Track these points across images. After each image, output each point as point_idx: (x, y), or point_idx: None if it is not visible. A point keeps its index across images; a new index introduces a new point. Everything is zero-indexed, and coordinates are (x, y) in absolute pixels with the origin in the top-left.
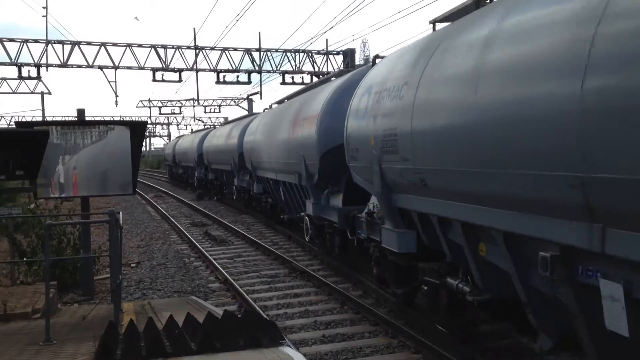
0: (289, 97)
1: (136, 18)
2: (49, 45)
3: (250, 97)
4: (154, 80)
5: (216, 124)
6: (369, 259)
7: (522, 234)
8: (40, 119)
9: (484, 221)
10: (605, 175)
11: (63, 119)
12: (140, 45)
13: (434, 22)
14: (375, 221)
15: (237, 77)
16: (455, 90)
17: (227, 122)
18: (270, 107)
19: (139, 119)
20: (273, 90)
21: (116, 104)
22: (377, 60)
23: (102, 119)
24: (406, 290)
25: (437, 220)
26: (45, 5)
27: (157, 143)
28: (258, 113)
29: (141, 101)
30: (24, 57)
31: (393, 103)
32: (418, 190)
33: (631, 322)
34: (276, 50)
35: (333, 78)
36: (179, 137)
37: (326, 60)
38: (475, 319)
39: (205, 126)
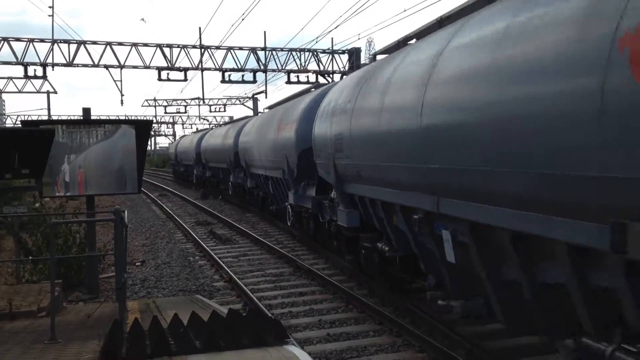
0: (277, 104)
1: (142, 19)
2: (55, 44)
3: (255, 96)
4: (160, 79)
5: (221, 122)
6: (332, 235)
7: (408, 206)
8: (46, 118)
9: (392, 199)
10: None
11: (69, 118)
12: (145, 45)
13: (374, 55)
14: (334, 205)
15: (243, 76)
16: (371, 115)
17: (220, 124)
18: (264, 111)
19: (145, 118)
20: (278, 89)
21: (122, 103)
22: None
23: (108, 118)
24: (353, 255)
25: (369, 201)
26: (51, 5)
27: (162, 142)
28: (250, 116)
29: (147, 100)
30: (30, 57)
31: (341, 115)
32: (357, 179)
33: (457, 255)
34: (281, 50)
35: (312, 89)
36: (182, 137)
37: (331, 59)
38: (405, 278)
39: (210, 125)
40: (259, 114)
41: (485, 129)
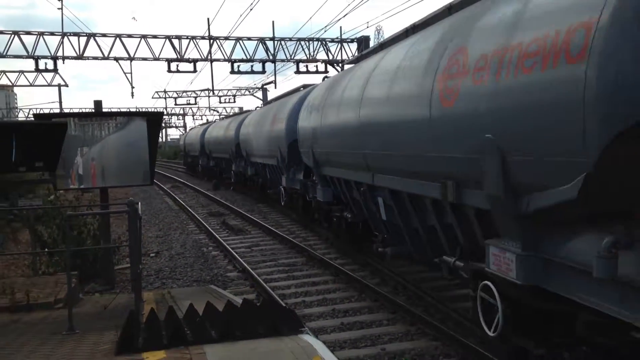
0: (274, 100)
1: (134, 18)
2: (65, 37)
3: (264, 86)
4: (169, 71)
5: (222, 116)
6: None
7: (358, 181)
8: (57, 111)
9: (348, 177)
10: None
11: (80, 111)
12: (155, 37)
13: (344, 62)
14: (315, 184)
15: (252, 66)
16: (333, 113)
17: (221, 117)
18: (264, 104)
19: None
20: (288, 79)
21: (132, 95)
22: (346, 66)
23: (119, 110)
24: (328, 224)
25: (337, 180)
26: None
27: (173, 134)
28: (250, 110)
29: (157, 92)
30: (41, 50)
31: (315, 112)
32: (328, 163)
33: (387, 214)
34: (290, 39)
35: (302, 89)
36: (190, 129)
37: (340, 48)
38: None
39: (220, 116)
40: (257, 109)
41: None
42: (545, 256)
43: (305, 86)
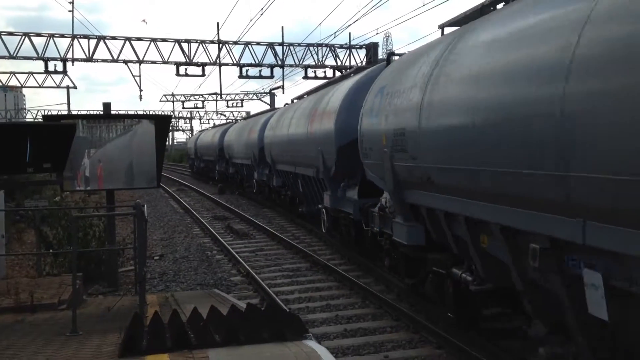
0: (308, 93)
1: (144, 21)
2: (75, 39)
3: (272, 91)
4: (178, 74)
5: (238, 118)
6: (382, 250)
7: (518, 228)
8: (65, 113)
9: (486, 217)
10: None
11: (88, 113)
12: (164, 40)
13: (442, 27)
14: (387, 215)
15: (260, 71)
16: (461, 91)
17: (246, 117)
18: (291, 102)
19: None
20: (296, 85)
21: (140, 98)
22: (393, 58)
23: (127, 113)
24: (415, 280)
25: (443, 215)
26: (71, 0)
27: (180, 137)
28: (278, 108)
29: (165, 95)
30: (50, 52)
31: (402, 104)
32: (425, 186)
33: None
34: (299, 45)
35: (351, 75)
36: (202, 131)
37: (349, 55)
38: (481, 305)
39: (228, 120)
40: (286, 105)
41: None
42: None
43: (358, 69)
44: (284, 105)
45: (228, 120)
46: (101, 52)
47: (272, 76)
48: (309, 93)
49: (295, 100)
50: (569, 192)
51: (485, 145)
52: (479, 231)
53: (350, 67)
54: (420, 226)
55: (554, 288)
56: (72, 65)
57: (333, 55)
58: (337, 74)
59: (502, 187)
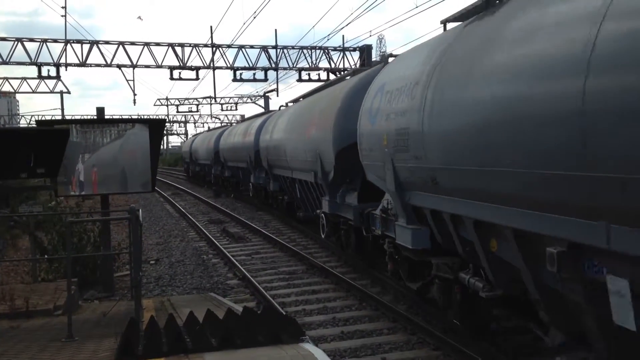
0: (304, 96)
1: (139, 17)
2: (68, 44)
3: (266, 94)
4: (172, 78)
5: (233, 121)
6: (383, 255)
7: (533, 231)
8: (59, 117)
9: (496, 220)
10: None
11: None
12: (157, 44)
13: (444, 22)
14: (390, 218)
15: (254, 74)
16: (465, 89)
17: (243, 119)
18: (286, 105)
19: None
20: (290, 87)
21: (134, 103)
22: (390, 60)
23: (121, 117)
24: (420, 285)
25: (449, 218)
26: (64, 5)
27: (175, 141)
28: (274, 111)
29: (159, 99)
30: (43, 57)
31: (405, 102)
32: (429, 188)
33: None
34: (292, 48)
35: (348, 77)
36: (197, 134)
37: (342, 57)
38: (491, 314)
39: (222, 123)
40: (282, 108)
41: None
42: None
43: (355, 71)
44: (279, 109)
45: (223, 124)
46: (94, 57)
47: (266, 79)
48: (304, 96)
49: (291, 104)
50: (592, 192)
51: (499, 145)
52: (488, 235)
53: (345, 69)
54: (426, 229)
55: (573, 294)
56: (66, 70)
57: (327, 57)
58: (332, 76)
59: (516, 189)
